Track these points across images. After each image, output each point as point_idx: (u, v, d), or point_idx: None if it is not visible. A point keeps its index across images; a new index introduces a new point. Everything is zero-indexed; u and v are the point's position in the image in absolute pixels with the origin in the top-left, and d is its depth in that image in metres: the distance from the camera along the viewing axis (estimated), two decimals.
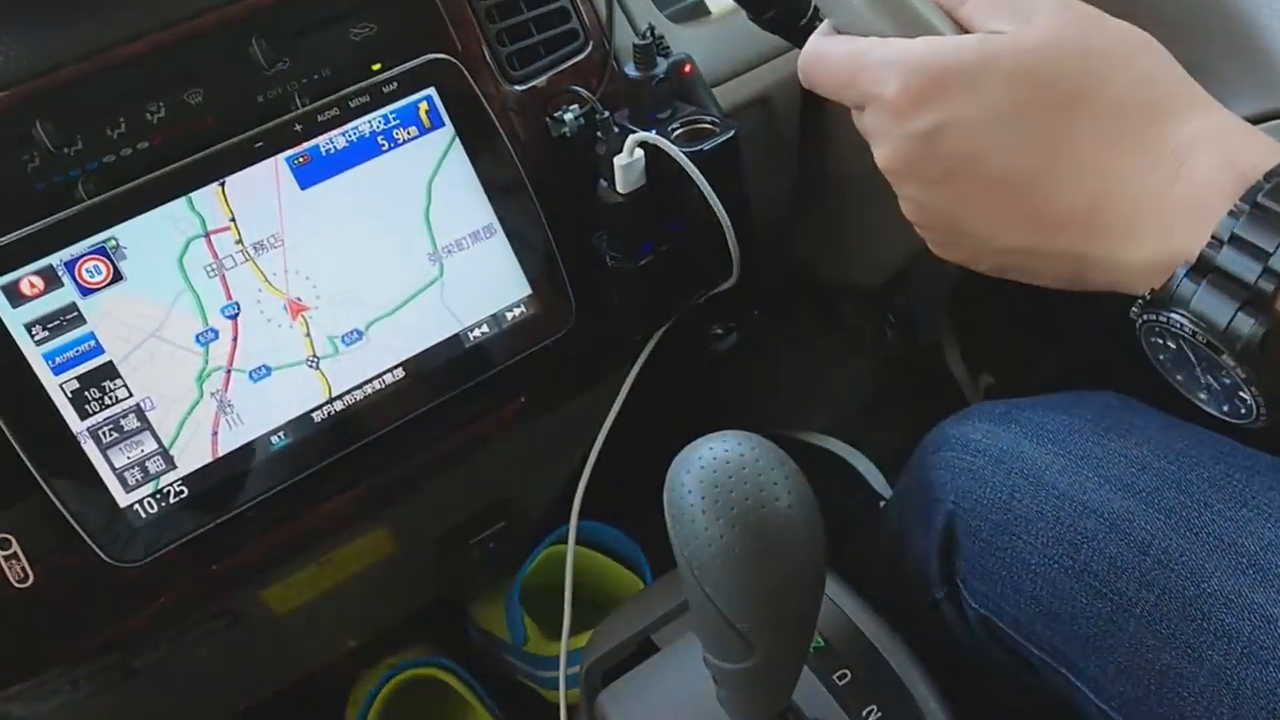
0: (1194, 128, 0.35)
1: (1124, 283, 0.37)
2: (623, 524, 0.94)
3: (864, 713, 0.51)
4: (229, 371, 0.53)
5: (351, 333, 0.55)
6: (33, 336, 0.49)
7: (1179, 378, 0.39)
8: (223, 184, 0.52)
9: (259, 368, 0.53)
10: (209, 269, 0.52)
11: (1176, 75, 0.37)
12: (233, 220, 0.52)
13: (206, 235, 0.52)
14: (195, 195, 0.51)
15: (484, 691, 0.88)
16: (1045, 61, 0.36)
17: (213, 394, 0.53)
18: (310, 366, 0.54)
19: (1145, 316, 0.37)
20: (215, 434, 0.53)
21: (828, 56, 0.41)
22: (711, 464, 0.37)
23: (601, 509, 0.88)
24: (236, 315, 0.53)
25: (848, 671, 0.53)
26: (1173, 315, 0.35)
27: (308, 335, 0.54)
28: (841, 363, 1.12)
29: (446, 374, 0.58)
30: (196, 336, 0.52)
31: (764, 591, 0.37)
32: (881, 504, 1.04)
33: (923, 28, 0.39)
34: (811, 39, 0.42)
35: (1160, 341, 0.38)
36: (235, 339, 0.53)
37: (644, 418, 0.70)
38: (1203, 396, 0.39)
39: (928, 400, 1.10)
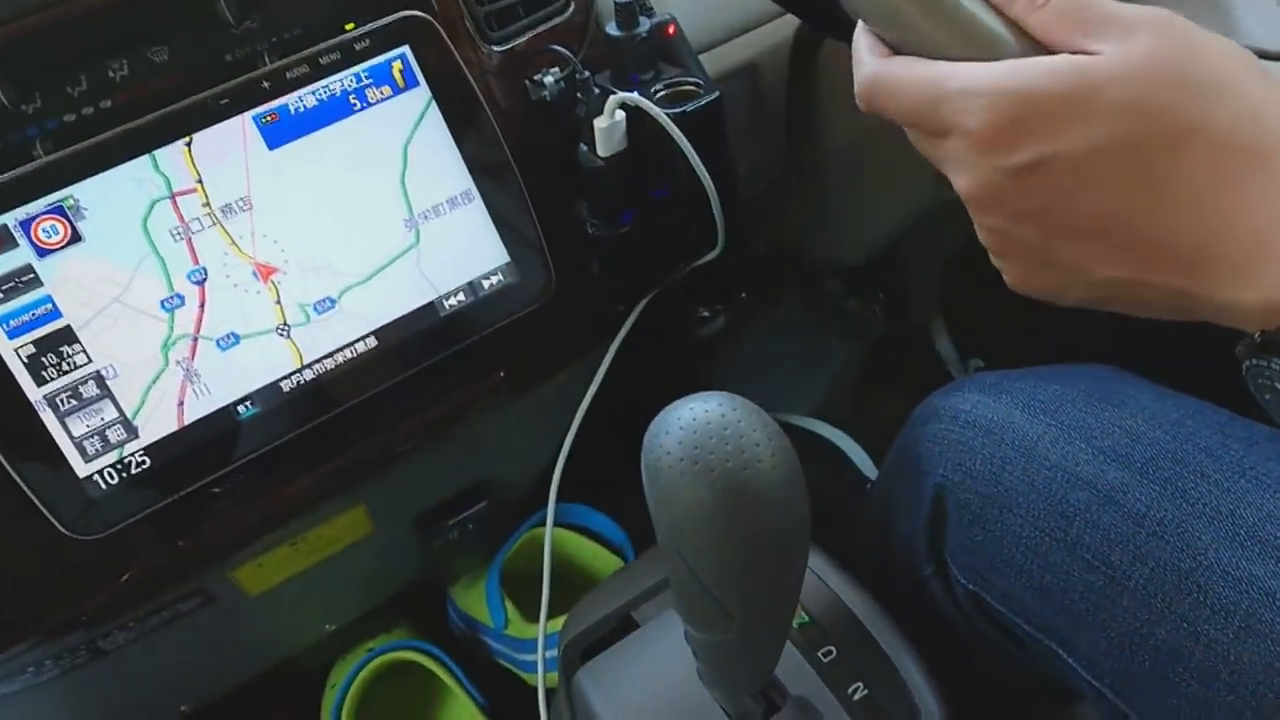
0: None
1: (1230, 321, 0.35)
2: (606, 507, 0.92)
3: (849, 690, 0.50)
4: (196, 339, 0.51)
5: (324, 300, 0.53)
6: None
7: None
8: (189, 144, 0.50)
9: (227, 335, 0.52)
10: (175, 232, 0.50)
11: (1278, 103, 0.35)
12: (199, 182, 0.50)
13: (172, 197, 0.50)
14: (160, 155, 0.49)
15: (464, 675, 0.87)
16: (1151, 91, 0.33)
17: (179, 362, 0.51)
18: (281, 335, 0.53)
19: (1254, 360, 0.35)
20: (181, 404, 0.51)
21: (896, 81, 0.37)
22: (691, 424, 0.36)
23: (585, 492, 0.87)
24: (204, 281, 0.51)
25: (833, 648, 0.52)
26: None
27: (278, 302, 0.52)
28: (829, 346, 1.11)
29: (421, 343, 0.56)
30: (162, 302, 0.50)
31: (745, 557, 0.35)
32: (868, 485, 1.02)
33: (990, 43, 0.36)
34: (870, 62, 0.39)
35: (1268, 383, 0.36)
36: (202, 305, 0.51)
37: (628, 400, 0.68)
38: None
39: (916, 383, 1.09)
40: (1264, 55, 0.37)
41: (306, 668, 0.93)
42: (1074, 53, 0.34)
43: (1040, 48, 0.36)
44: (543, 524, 0.90)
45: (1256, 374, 0.36)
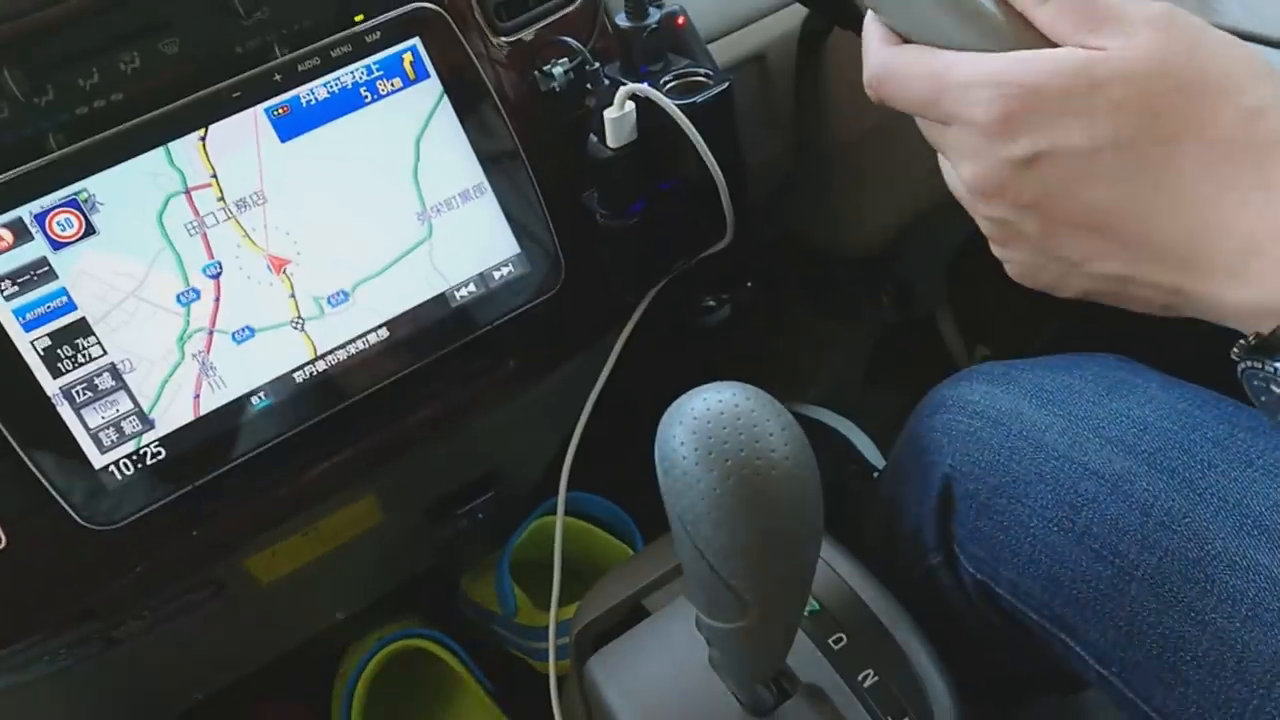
0: None
1: (1223, 320, 0.36)
2: (615, 496, 0.93)
3: (859, 677, 0.50)
4: (211, 333, 0.51)
5: (337, 294, 0.54)
6: (2, 292, 0.47)
7: None
8: (203, 139, 0.50)
9: (242, 329, 0.52)
10: (190, 227, 0.50)
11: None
12: (214, 177, 0.51)
13: (187, 192, 0.50)
14: (175, 150, 0.50)
15: (474, 664, 0.87)
16: (1152, 91, 0.34)
17: (194, 355, 0.51)
18: (295, 328, 0.53)
19: (1249, 363, 0.35)
20: (197, 396, 0.51)
21: (905, 71, 0.38)
22: (704, 414, 0.36)
23: (594, 481, 0.87)
24: (219, 275, 0.51)
25: (843, 635, 0.52)
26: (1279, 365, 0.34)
27: (292, 296, 0.53)
28: (835, 334, 1.11)
29: (432, 334, 0.56)
30: (178, 296, 0.50)
31: (759, 546, 0.36)
32: (876, 475, 1.03)
33: (997, 35, 0.36)
34: (880, 51, 0.39)
35: (1263, 385, 0.36)
36: (218, 299, 0.51)
37: (635, 390, 0.68)
38: None
39: (922, 372, 1.09)
40: (1241, 36, 0.37)
41: (317, 656, 0.94)
42: (1079, 48, 0.35)
43: (1046, 42, 0.36)
44: (551, 512, 0.91)
45: (1252, 376, 0.36)
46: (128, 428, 0.50)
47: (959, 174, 0.38)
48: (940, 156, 0.40)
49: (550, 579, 0.66)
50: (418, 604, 0.96)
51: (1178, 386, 0.53)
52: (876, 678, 0.50)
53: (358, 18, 0.56)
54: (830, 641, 0.52)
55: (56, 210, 0.48)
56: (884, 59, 0.39)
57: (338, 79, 0.53)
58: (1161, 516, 0.48)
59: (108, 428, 0.50)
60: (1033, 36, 0.36)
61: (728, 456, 0.35)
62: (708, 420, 0.36)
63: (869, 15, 0.40)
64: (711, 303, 1.11)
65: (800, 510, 0.36)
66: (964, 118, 0.36)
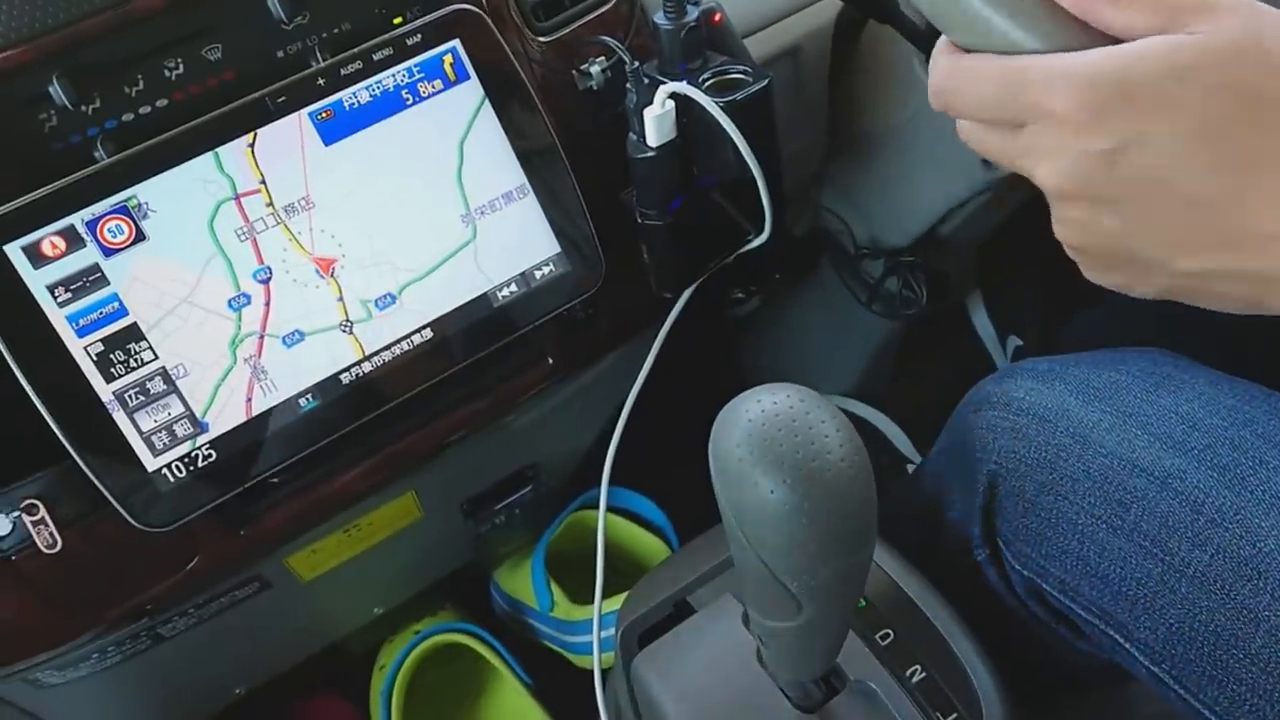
0: None
1: None
2: (644, 489, 0.93)
3: (907, 672, 0.50)
4: (262, 337, 0.52)
5: (385, 296, 0.54)
6: (55, 298, 0.48)
7: None
8: (252, 145, 0.51)
9: (292, 333, 0.52)
10: (240, 232, 0.51)
11: None
12: (263, 183, 0.51)
13: (237, 198, 0.51)
14: (225, 157, 0.50)
15: (511, 658, 0.88)
16: (1246, 74, 0.32)
17: (246, 360, 0.52)
18: (344, 331, 0.53)
19: None
20: (249, 400, 0.52)
21: (977, 73, 0.36)
22: (760, 417, 0.36)
23: (622, 474, 0.87)
24: (269, 280, 0.52)
25: (890, 631, 0.52)
26: None
27: (340, 300, 0.53)
28: (864, 325, 1.10)
29: (474, 334, 0.57)
30: (229, 302, 0.51)
31: (817, 548, 0.36)
32: (908, 467, 1.03)
33: (1069, 38, 0.35)
34: (948, 56, 0.37)
35: None
36: (268, 303, 0.52)
37: (663, 382, 0.69)
38: None
39: (952, 362, 1.09)
40: None
41: (355, 650, 0.95)
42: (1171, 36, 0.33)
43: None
44: (584, 507, 0.91)
45: None
46: (180, 431, 0.51)
47: (1036, 177, 0.36)
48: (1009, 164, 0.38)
49: (584, 573, 0.67)
50: (451, 598, 0.97)
51: (1226, 381, 0.52)
52: (924, 673, 0.51)
53: (396, 20, 0.56)
54: (877, 637, 0.52)
55: (107, 217, 0.48)
56: (953, 63, 0.37)
57: (379, 82, 0.53)
58: (1212, 513, 0.47)
59: (160, 431, 0.50)
60: (1108, 42, 0.34)
61: (784, 459, 0.35)
62: (763, 423, 0.36)
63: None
64: (740, 294, 1.11)
65: (857, 511, 0.36)
66: (1044, 110, 0.34)
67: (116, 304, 0.49)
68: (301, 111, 0.51)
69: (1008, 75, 0.35)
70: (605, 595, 0.69)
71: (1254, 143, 0.32)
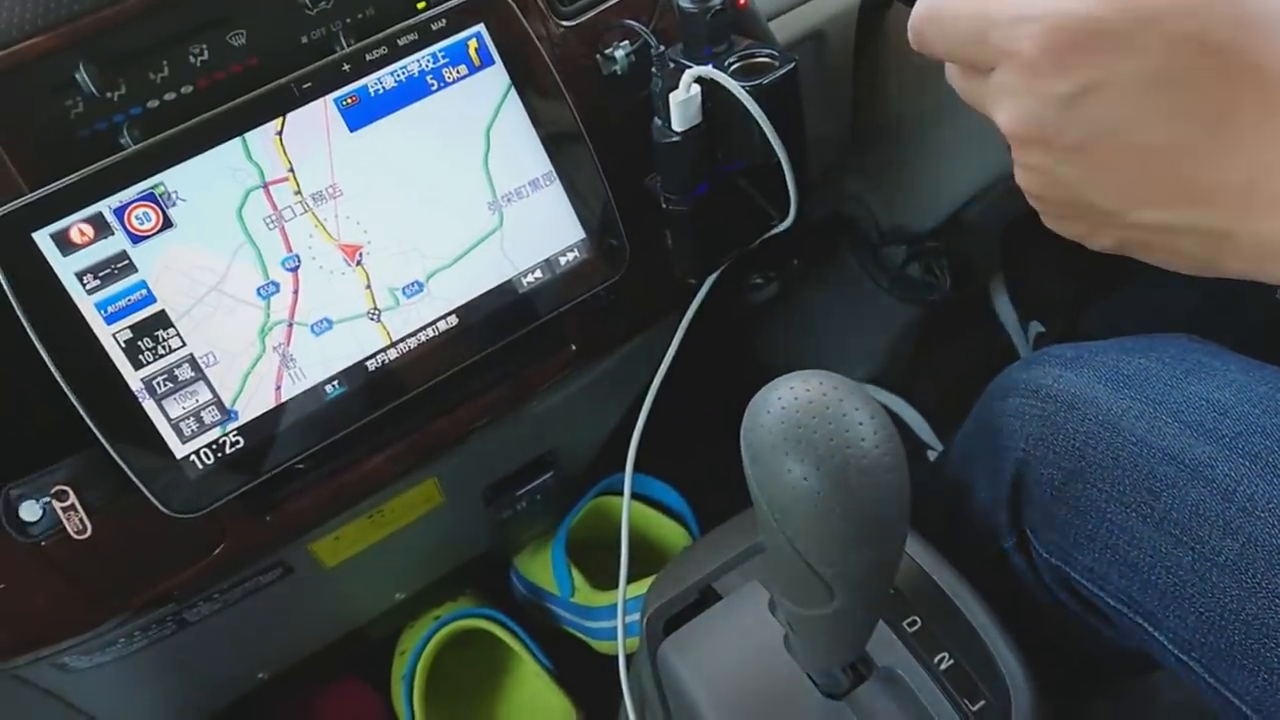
0: None
1: (1269, 267, 0.34)
2: (663, 474, 0.93)
3: (935, 660, 0.50)
4: (291, 325, 0.52)
5: (412, 284, 0.54)
6: (84, 285, 0.48)
7: None
8: (280, 132, 0.50)
9: (321, 321, 0.52)
10: (269, 220, 0.51)
11: None
12: (291, 171, 0.51)
13: (265, 186, 0.50)
14: (253, 145, 0.50)
15: (532, 642, 0.88)
16: (1210, 26, 0.32)
17: (275, 348, 0.52)
18: (371, 319, 0.53)
19: None
20: (278, 388, 0.52)
21: (951, 11, 0.36)
22: (793, 404, 0.36)
23: (641, 459, 0.87)
24: (297, 268, 0.52)
25: (918, 618, 0.52)
26: None
27: (368, 287, 0.53)
28: (883, 310, 1.10)
29: (499, 321, 0.57)
30: (258, 290, 0.51)
31: (850, 535, 0.36)
32: (929, 453, 1.02)
33: None
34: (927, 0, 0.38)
35: None
36: (296, 291, 0.52)
37: (682, 368, 0.68)
38: None
39: (973, 348, 1.08)
40: None
41: (376, 635, 0.95)
42: None
43: None
44: (605, 493, 0.91)
45: None
46: (207, 418, 0.51)
47: (1000, 122, 0.36)
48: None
49: (603, 559, 0.67)
50: (472, 584, 0.97)
51: (1258, 369, 0.52)
52: (952, 660, 0.50)
53: (420, 5, 0.56)
54: (905, 624, 0.52)
55: (135, 204, 0.48)
56: (931, 3, 0.37)
57: (404, 67, 0.53)
58: (1244, 502, 0.47)
59: (188, 418, 0.50)
60: None
61: (818, 446, 0.35)
62: (796, 410, 0.36)
63: None
64: (759, 280, 1.10)
65: (891, 498, 0.36)
66: (1009, 53, 0.34)
67: (144, 291, 0.49)
68: (327, 97, 0.51)
69: (977, 17, 0.35)
70: (627, 581, 0.70)
71: (1217, 94, 0.32)
